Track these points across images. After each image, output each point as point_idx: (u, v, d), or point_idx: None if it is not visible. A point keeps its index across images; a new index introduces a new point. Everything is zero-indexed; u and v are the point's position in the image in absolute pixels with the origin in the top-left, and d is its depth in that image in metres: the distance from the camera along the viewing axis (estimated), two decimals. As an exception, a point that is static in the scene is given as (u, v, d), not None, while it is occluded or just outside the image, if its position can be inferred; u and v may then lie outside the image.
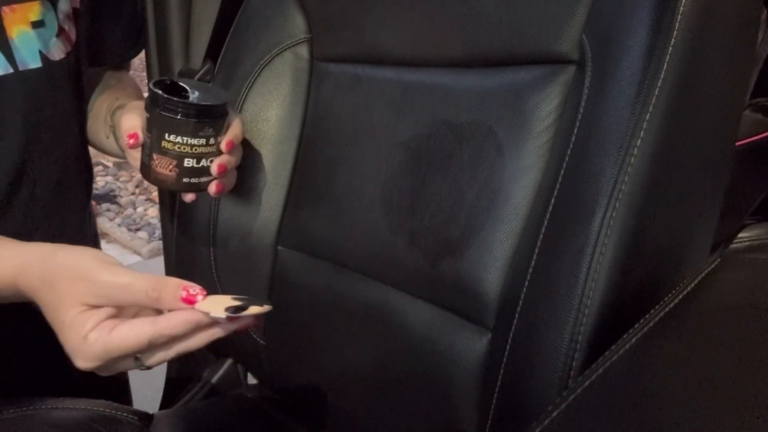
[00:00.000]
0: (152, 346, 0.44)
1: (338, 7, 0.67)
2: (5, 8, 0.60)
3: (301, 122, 0.71)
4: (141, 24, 0.80)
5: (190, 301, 0.44)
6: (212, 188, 0.60)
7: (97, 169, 3.03)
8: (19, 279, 0.47)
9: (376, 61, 0.64)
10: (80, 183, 0.75)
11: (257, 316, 0.44)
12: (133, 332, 0.43)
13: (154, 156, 0.58)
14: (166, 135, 0.56)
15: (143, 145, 0.59)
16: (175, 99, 0.55)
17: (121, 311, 0.46)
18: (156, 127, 0.56)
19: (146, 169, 0.59)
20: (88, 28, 0.71)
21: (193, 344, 0.46)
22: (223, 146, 0.58)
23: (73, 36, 0.68)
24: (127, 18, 0.77)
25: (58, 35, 0.65)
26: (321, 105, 0.70)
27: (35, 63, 0.63)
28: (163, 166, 0.58)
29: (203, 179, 0.59)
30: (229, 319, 0.43)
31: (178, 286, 0.44)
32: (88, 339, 0.43)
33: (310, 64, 0.71)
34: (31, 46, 0.62)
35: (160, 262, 0.92)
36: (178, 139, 0.56)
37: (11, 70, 0.61)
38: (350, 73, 0.67)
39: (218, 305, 0.43)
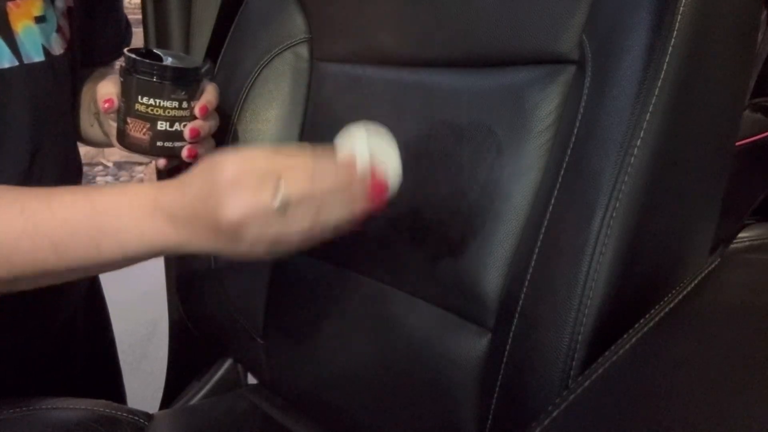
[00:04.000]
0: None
1: (338, 7, 0.67)
2: (10, 3, 0.61)
3: (301, 122, 0.71)
4: (126, 26, 0.81)
5: (381, 193, 0.45)
6: (184, 153, 0.61)
7: (97, 169, 3.03)
8: (160, 201, 0.44)
9: (376, 61, 0.64)
10: (77, 181, 0.75)
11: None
12: (303, 176, 0.43)
13: (128, 120, 0.59)
14: (140, 98, 0.57)
15: (118, 111, 0.60)
16: (147, 61, 0.56)
17: None
18: (130, 90, 0.58)
19: (121, 135, 0.60)
20: (80, 27, 0.72)
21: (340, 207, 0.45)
22: (196, 111, 0.59)
23: (68, 34, 0.68)
24: (114, 18, 0.78)
25: (56, 31, 0.66)
26: (321, 105, 0.70)
27: (39, 57, 0.63)
28: (137, 130, 0.59)
29: (177, 144, 0.60)
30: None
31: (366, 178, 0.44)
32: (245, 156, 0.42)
33: (310, 64, 0.71)
34: (35, 40, 0.63)
35: (160, 262, 0.92)
36: (151, 101, 0.57)
37: (17, 63, 0.61)
38: (350, 73, 0.67)
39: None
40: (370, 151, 0.45)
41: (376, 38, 0.64)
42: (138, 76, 0.57)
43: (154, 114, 0.58)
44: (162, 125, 0.58)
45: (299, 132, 0.71)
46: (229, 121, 0.71)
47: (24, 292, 0.52)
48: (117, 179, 3.01)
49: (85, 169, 0.78)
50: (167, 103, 0.58)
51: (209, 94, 0.61)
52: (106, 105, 0.60)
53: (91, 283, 0.83)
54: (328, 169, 0.44)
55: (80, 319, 0.80)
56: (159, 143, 0.59)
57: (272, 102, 0.71)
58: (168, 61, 0.58)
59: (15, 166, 0.63)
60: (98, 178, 3.00)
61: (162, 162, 0.63)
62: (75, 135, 0.74)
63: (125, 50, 0.58)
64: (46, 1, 0.64)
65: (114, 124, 0.62)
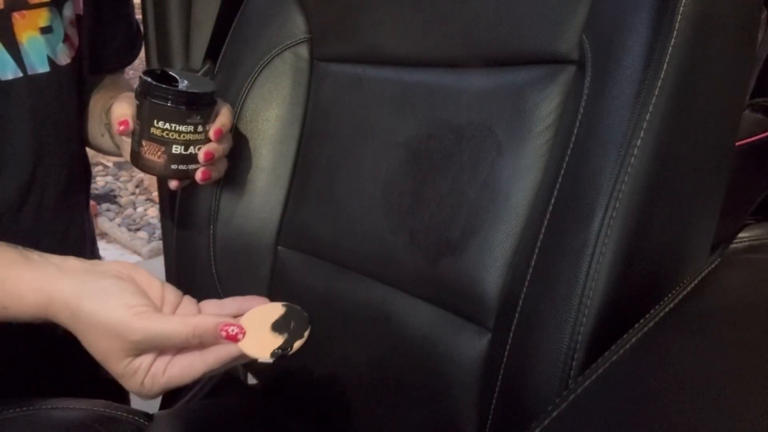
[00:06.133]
0: (203, 377, 0.46)
1: (338, 7, 0.67)
2: (15, 14, 0.60)
3: (301, 122, 0.71)
4: (137, 32, 0.80)
5: (232, 339, 0.45)
6: (198, 175, 0.60)
7: (97, 169, 3.03)
8: (49, 314, 0.47)
9: (376, 61, 0.64)
10: (82, 186, 0.75)
11: None
12: (186, 372, 0.45)
13: (143, 142, 0.59)
14: (155, 122, 0.57)
15: (133, 132, 0.60)
16: (164, 86, 0.57)
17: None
18: (146, 114, 0.58)
19: (135, 156, 0.60)
20: (89, 35, 0.71)
21: (237, 364, 0.47)
22: (211, 134, 0.59)
23: (76, 42, 0.68)
24: (124, 27, 0.78)
25: (64, 41, 0.66)
26: (321, 105, 0.70)
27: (43, 68, 0.63)
28: (152, 153, 0.59)
29: (191, 166, 0.60)
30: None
31: (216, 328, 0.45)
32: (145, 384, 0.45)
33: (310, 64, 0.71)
34: (40, 50, 0.63)
35: (160, 262, 0.92)
36: (167, 125, 0.57)
37: (21, 74, 0.61)
38: (350, 73, 0.67)
39: (262, 344, 0.45)
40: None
41: (376, 38, 0.64)
42: (153, 100, 0.57)
43: (170, 138, 0.58)
44: (177, 149, 0.58)
45: (299, 132, 0.71)
46: (229, 121, 0.71)
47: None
48: (117, 179, 3.01)
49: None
50: (182, 128, 0.58)
51: (224, 117, 0.61)
52: (122, 128, 0.59)
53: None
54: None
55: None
56: (173, 166, 0.59)
57: (272, 102, 0.71)
58: (183, 84, 0.58)
59: (17, 176, 0.63)
60: (98, 178, 3.00)
61: (174, 183, 0.62)
62: (81, 143, 0.73)
63: (141, 73, 0.58)
64: (53, 11, 0.64)
65: (127, 140, 0.61)
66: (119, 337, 0.44)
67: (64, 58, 0.66)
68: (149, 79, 0.57)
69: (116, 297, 0.45)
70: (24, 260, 0.48)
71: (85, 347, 0.46)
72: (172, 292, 0.49)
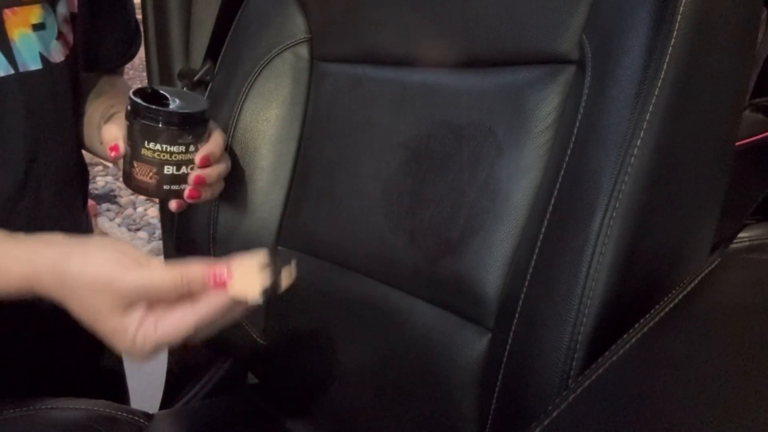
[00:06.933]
0: (198, 330, 0.45)
1: (338, 7, 0.67)
2: (7, 11, 0.60)
3: (301, 122, 0.71)
4: (135, 29, 0.80)
5: (221, 285, 0.44)
6: (186, 192, 0.59)
7: (97, 169, 3.03)
8: (36, 287, 0.47)
9: (376, 61, 0.64)
10: (79, 185, 0.75)
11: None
12: (177, 325, 0.44)
13: (135, 164, 0.58)
14: (146, 143, 0.57)
15: (125, 154, 0.59)
16: (153, 107, 0.56)
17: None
18: (136, 135, 0.57)
19: (128, 177, 0.60)
20: (84, 33, 0.71)
21: (229, 319, 0.46)
22: (197, 160, 0.58)
23: (70, 40, 0.68)
24: (121, 24, 0.77)
25: (57, 38, 0.66)
26: (321, 105, 0.70)
27: (35, 65, 0.63)
28: (144, 174, 0.58)
29: (183, 186, 0.59)
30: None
31: (203, 273, 0.44)
32: (137, 341, 0.44)
33: (310, 64, 0.71)
34: (32, 48, 0.63)
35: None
36: (158, 146, 0.57)
37: (12, 71, 0.61)
38: (350, 73, 0.67)
39: (250, 284, 0.44)
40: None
41: (376, 38, 0.64)
42: (144, 121, 0.56)
43: (161, 159, 0.57)
44: (169, 169, 0.58)
45: (299, 132, 0.71)
46: (229, 121, 0.71)
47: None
48: (117, 179, 3.01)
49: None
50: (174, 148, 0.57)
51: (212, 144, 0.59)
52: (113, 154, 0.59)
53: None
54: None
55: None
56: (166, 186, 0.59)
57: (272, 102, 0.71)
58: (174, 103, 0.57)
59: (12, 174, 0.63)
60: (98, 178, 3.00)
61: (174, 205, 0.61)
62: (76, 141, 0.73)
63: (130, 93, 0.57)
64: (46, 8, 0.64)
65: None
66: (108, 290, 0.44)
67: (57, 55, 0.66)
68: (139, 100, 0.56)
69: (102, 254, 0.45)
70: (7, 237, 0.49)
71: (74, 313, 0.46)
72: (155, 258, 0.48)
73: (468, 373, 0.54)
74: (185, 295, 0.45)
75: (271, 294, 0.44)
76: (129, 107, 0.57)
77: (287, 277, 0.46)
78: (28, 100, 0.63)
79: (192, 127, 0.57)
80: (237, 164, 0.70)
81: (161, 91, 0.59)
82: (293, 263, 0.46)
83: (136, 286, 0.44)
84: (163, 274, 0.44)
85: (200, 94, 0.77)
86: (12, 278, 0.47)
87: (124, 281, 0.44)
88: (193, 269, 0.44)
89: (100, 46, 0.75)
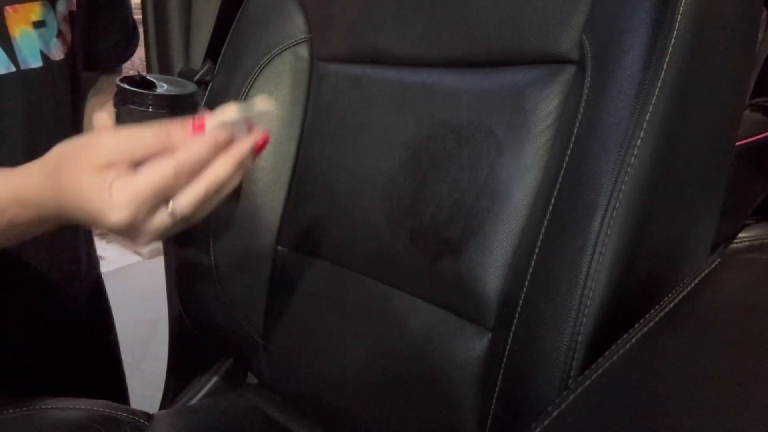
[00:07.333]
0: (179, 181, 0.43)
1: (338, 7, 0.67)
2: (8, 8, 0.60)
3: (301, 122, 0.71)
4: (133, 28, 0.80)
5: (200, 127, 0.44)
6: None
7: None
8: (21, 191, 0.47)
9: (376, 61, 0.64)
10: None
11: (268, 125, 0.46)
12: (155, 167, 0.43)
13: None
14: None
15: None
16: (140, 91, 0.55)
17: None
18: (125, 121, 0.56)
19: None
20: (83, 31, 0.71)
21: (221, 174, 0.45)
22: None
23: (69, 38, 0.68)
24: (119, 22, 0.77)
25: (57, 36, 0.66)
26: (321, 105, 0.70)
27: (36, 62, 0.63)
28: None
29: None
30: (248, 125, 0.44)
31: (182, 125, 0.44)
32: (113, 189, 0.43)
33: (310, 64, 0.71)
34: (33, 45, 0.63)
35: (160, 262, 0.92)
36: None
37: (13, 69, 0.61)
38: (350, 73, 0.67)
39: (227, 114, 0.44)
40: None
41: (376, 38, 0.64)
42: (132, 106, 0.55)
43: None
44: None
45: (299, 132, 0.71)
46: (229, 121, 0.71)
47: (27, 293, 0.52)
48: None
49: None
50: None
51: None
52: None
53: (93, 284, 0.83)
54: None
55: (83, 321, 0.80)
56: None
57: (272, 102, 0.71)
58: (162, 88, 0.57)
59: None
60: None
61: None
62: None
63: (117, 80, 0.56)
64: (46, 6, 0.64)
65: None
66: (90, 148, 0.44)
67: (57, 53, 0.66)
68: (126, 86, 0.55)
69: (102, 129, 0.48)
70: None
71: (62, 196, 0.45)
72: None
73: (468, 373, 0.54)
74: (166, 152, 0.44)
75: (247, 116, 0.44)
76: (117, 94, 0.56)
77: (263, 101, 0.46)
78: (28, 98, 0.63)
79: (181, 110, 0.56)
80: (237, 164, 0.70)
81: (149, 78, 0.58)
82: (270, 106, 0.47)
83: (115, 140, 0.43)
84: (143, 129, 0.44)
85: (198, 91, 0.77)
86: (30, 178, 0.48)
87: (103, 137, 0.44)
88: (172, 123, 0.44)
89: (99, 45, 0.75)
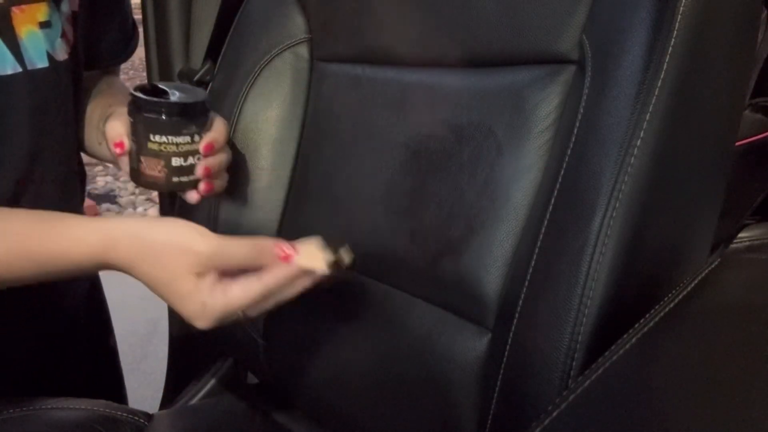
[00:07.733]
0: (262, 302, 0.50)
1: (338, 7, 0.67)
2: (14, 9, 0.60)
3: (301, 122, 0.71)
4: (132, 28, 0.80)
5: (287, 259, 0.49)
6: (201, 187, 0.61)
7: (97, 169, 3.03)
8: (110, 255, 0.50)
9: (376, 61, 0.64)
10: (78, 184, 0.75)
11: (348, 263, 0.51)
12: (245, 292, 0.49)
13: (142, 159, 0.59)
14: (152, 136, 0.57)
15: (130, 150, 0.60)
16: (154, 100, 0.57)
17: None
18: (140, 129, 0.58)
19: (136, 173, 0.60)
20: (84, 30, 0.71)
21: (289, 293, 0.51)
22: (201, 148, 0.59)
23: (72, 38, 0.68)
24: (119, 22, 0.77)
25: (61, 36, 0.66)
26: (321, 105, 0.70)
27: (42, 63, 0.63)
28: (152, 168, 0.59)
29: (192, 177, 0.60)
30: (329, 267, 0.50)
31: (273, 246, 0.49)
32: (207, 305, 0.48)
33: (310, 64, 0.71)
34: (39, 46, 0.63)
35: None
36: (164, 138, 0.57)
37: (20, 70, 0.61)
38: (350, 73, 0.67)
39: (315, 257, 0.50)
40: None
41: (376, 38, 0.64)
42: (147, 115, 0.57)
43: (168, 151, 0.58)
44: (177, 161, 0.58)
45: (299, 132, 0.71)
46: (230, 122, 0.71)
47: (26, 294, 0.52)
48: (117, 179, 3.01)
49: (85, 169, 0.77)
50: (179, 139, 0.58)
51: (215, 132, 0.61)
52: (118, 150, 0.60)
53: (92, 284, 0.83)
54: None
55: (82, 321, 0.80)
56: (175, 179, 0.59)
57: (272, 102, 0.71)
58: (175, 96, 0.58)
59: (13, 172, 0.63)
60: (98, 178, 3.00)
61: (195, 197, 0.62)
62: (77, 140, 0.73)
63: (131, 90, 0.58)
64: (52, 6, 0.64)
65: (124, 157, 0.61)
66: (187, 253, 0.48)
67: (62, 53, 0.66)
68: (140, 95, 0.57)
69: (182, 224, 0.50)
70: (74, 215, 0.52)
71: (144, 279, 0.49)
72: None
73: (468, 373, 0.54)
74: (251, 268, 0.49)
75: (339, 269, 0.49)
76: (131, 103, 0.58)
77: (347, 255, 0.50)
78: (34, 98, 0.63)
79: (195, 116, 0.58)
80: (237, 164, 0.70)
81: (160, 86, 0.59)
82: (347, 246, 0.51)
83: (214, 252, 0.48)
84: (238, 241, 0.49)
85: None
86: (86, 247, 0.50)
87: (206, 245, 0.48)
88: (264, 240, 0.50)
89: (99, 45, 0.75)
